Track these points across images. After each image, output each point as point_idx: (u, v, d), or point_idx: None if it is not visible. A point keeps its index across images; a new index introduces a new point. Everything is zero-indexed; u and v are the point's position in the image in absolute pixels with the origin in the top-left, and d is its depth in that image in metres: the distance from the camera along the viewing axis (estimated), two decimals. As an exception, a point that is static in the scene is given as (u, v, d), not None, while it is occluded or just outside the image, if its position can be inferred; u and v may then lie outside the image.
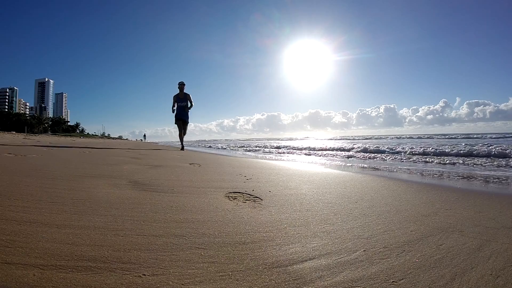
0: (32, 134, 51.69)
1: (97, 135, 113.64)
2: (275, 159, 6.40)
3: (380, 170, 4.02)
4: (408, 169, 4.11)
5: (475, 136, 25.65)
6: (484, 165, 4.77)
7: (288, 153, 9.88)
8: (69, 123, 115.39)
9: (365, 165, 4.86)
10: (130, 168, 3.31)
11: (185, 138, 8.83)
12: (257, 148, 13.61)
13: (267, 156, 7.86)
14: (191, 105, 8.38)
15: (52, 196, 1.62)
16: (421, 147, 9.00)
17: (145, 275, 0.79)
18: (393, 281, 0.78)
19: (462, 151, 7.14)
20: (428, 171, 3.90)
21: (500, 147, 7.25)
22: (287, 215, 1.41)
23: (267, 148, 13.73)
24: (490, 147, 7.49)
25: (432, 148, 8.39)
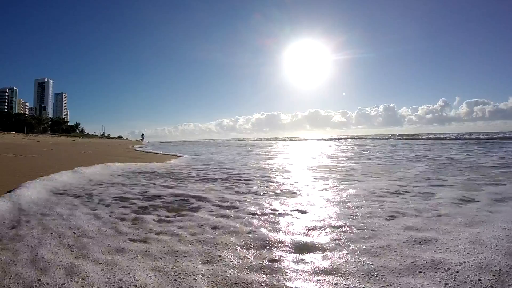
0: (31, 134, 51.62)
1: (97, 135, 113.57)
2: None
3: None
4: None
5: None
6: None
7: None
8: (68, 123, 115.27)
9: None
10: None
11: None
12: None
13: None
14: None
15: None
16: None
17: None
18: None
19: None
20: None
21: None
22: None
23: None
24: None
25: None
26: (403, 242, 1.72)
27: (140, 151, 15.28)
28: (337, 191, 3.48)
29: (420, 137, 27.68)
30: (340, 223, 2.18)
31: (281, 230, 2.03)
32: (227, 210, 2.64)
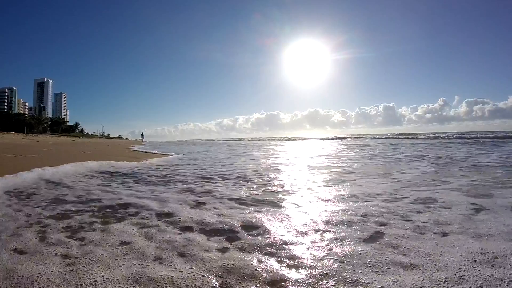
0: (31, 134, 51.30)
1: (97, 135, 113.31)
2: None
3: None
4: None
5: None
6: None
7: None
8: (68, 123, 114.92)
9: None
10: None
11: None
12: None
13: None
14: None
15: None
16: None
17: None
18: None
19: None
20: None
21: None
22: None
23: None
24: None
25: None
26: (380, 286, 1.10)
27: (136, 150, 15.37)
28: (319, 197, 2.87)
29: (420, 136, 27.09)
30: (298, 246, 1.55)
31: (206, 254, 1.42)
32: (160, 221, 2.04)
